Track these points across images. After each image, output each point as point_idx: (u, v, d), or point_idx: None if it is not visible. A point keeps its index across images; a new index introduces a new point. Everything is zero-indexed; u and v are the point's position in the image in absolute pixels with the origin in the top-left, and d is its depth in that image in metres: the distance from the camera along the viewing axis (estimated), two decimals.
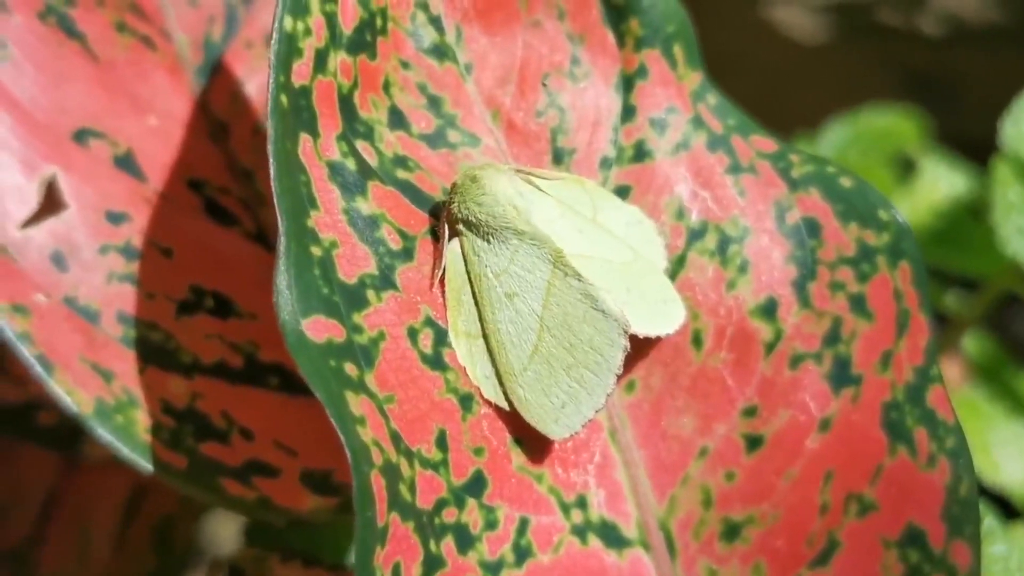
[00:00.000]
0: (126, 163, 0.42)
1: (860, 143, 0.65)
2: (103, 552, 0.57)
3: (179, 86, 0.44)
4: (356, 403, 0.34)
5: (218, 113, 0.45)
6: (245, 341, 0.42)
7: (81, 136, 0.41)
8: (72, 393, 0.38)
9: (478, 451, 0.36)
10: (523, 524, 0.37)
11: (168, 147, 0.43)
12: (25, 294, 0.39)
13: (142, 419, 0.39)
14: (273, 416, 0.41)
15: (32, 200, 0.40)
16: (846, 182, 0.39)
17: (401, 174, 0.37)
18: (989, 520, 0.48)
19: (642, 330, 0.37)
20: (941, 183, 0.62)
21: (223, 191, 0.44)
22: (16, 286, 0.39)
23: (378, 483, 0.33)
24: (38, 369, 0.38)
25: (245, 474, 0.40)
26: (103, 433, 0.38)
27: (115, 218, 0.41)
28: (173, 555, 0.59)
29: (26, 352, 0.38)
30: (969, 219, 0.60)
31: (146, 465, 0.39)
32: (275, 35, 0.35)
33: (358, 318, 0.35)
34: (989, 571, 0.47)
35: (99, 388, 0.39)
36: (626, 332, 0.36)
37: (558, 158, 0.39)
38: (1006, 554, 0.47)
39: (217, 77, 0.45)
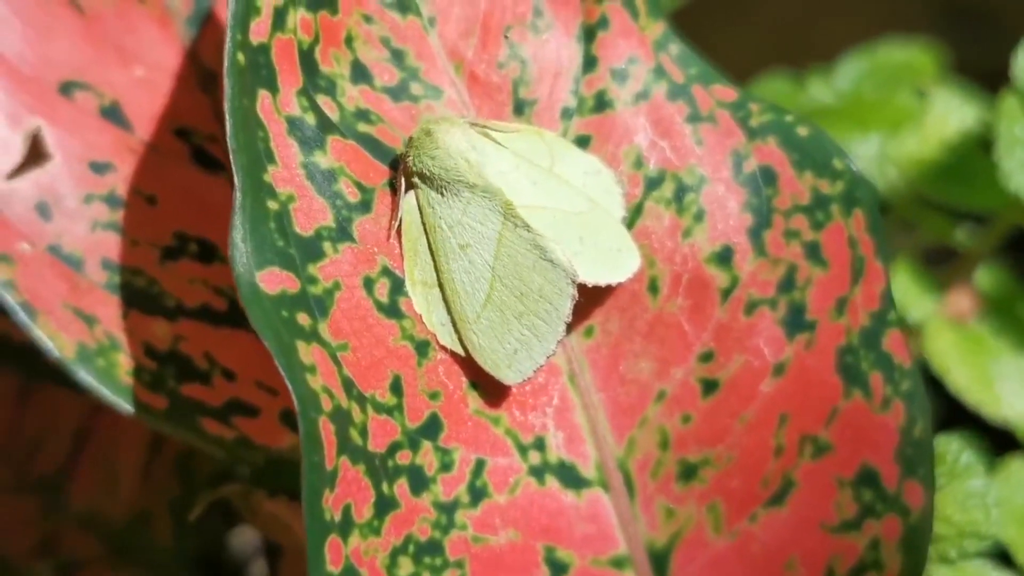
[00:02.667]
0: (112, 114, 0.43)
1: (876, 77, 0.64)
2: (130, 483, 0.59)
3: (168, 37, 0.46)
4: (307, 352, 0.35)
5: (207, 62, 0.46)
6: (229, 285, 0.43)
7: (67, 88, 0.43)
8: (54, 338, 0.40)
9: (434, 395, 0.38)
10: (479, 465, 0.38)
11: (156, 97, 0.45)
12: (9, 243, 0.40)
13: (124, 362, 0.41)
14: (256, 357, 0.43)
15: (17, 152, 0.41)
16: (803, 131, 0.40)
17: (362, 127, 0.39)
18: (967, 455, 0.48)
19: (594, 279, 0.38)
20: (952, 117, 0.61)
21: (211, 139, 0.45)
22: (1, 236, 0.40)
23: (326, 428, 0.35)
24: (21, 315, 0.40)
25: (225, 414, 0.42)
26: (84, 376, 0.40)
27: (99, 168, 0.42)
28: (195, 485, 0.60)
29: (10, 299, 0.40)
30: (978, 153, 0.60)
31: (127, 406, 0.41)
32: None
33: (313, 269, 0.36)
34: (965, 506, 0.48)
35: (81, 333, 0.41)
36: (574, 281, 0.37)
37: (519, 109, 0.40)
38: (983, 489, 0.48)
39: (207, 27, 0.46)
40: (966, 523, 0.48)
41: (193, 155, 0.45)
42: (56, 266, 0.41)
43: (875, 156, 0.60)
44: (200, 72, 0.46)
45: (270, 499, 0.45)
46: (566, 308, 0.38)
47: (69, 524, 0.58)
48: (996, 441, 0.60)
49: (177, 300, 0.43)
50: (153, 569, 0.59)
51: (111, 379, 0.41)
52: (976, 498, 0.48)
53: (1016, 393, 0.58)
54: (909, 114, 0.62)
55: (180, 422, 0.42)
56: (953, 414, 0.61)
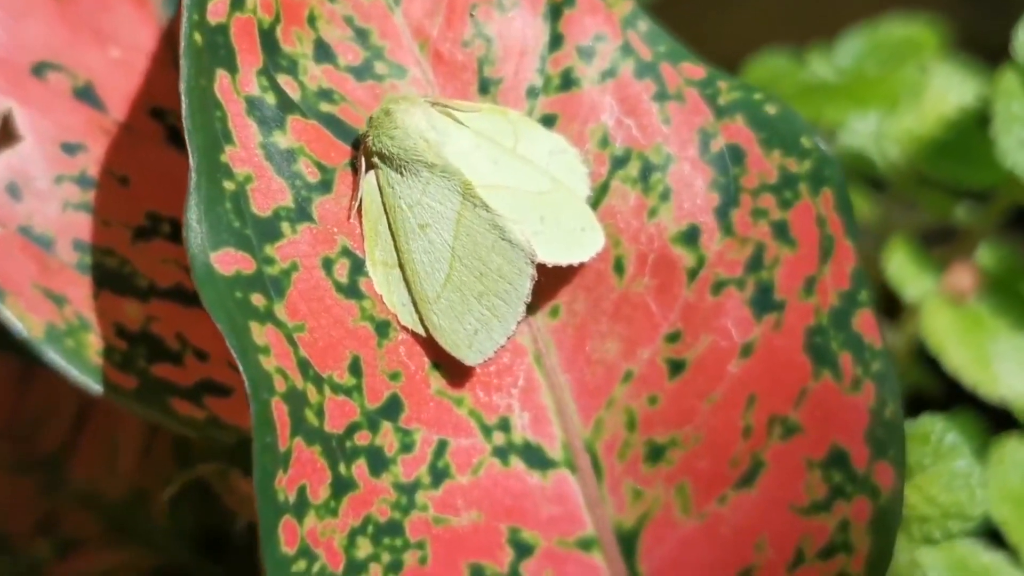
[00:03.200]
0: (86, 95, 0.43)
1: (878, 53, 0.64)
2: (129, 461, 0.59)
3: (145, 17, 0.46)
4: (260, 333, 0.35)
5: None
6: None
7: (40, 70, 0.43)
8: (23, 318, 0.40)
9: (394, 376, 0.37)
10: (441, 446, 0.38)
11: (131, 78, 0.45)
12: None
13: (94, 342, 0.41)
14: None
15: None
16: (771, 109, 0.40)
17: (324, 107, 0.38)
18: (952, 436, 0.48)
19: (554, 258, 0.38)
20: (951, 93, 0.61)
21: None
22: None
23: (279, 409, 0.35)
24: None
25: (197, 394, 0.42)
26: (53, 356, 0.40)
27: (71, 148, 0.42)
28: (191, 463, 0.61)
29: None
30: (977, 130, 0.59)
31: (96, 386, 0.41)
32: None
33: (270, 250, 0.36)
34: (950, 486, 0.47)
35: (50, 313, 0.41)
36: (533, 261, 0.37)
37: (484, 88, 0.40)
38: (967, 470, 0.47)
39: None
40: (951, 504, 0.48)
41: (168, 135, 0.45)
42: (26, 247, 0.42)
43: (873, 133, 0.60)
44: (176, 52, 0.46)
45: (245, 478, 0.45)
46: (525, 288, 0.37)
47: (69, 502, 0.58)
48: (995, 421, 0.59)
49: (149, 280, 0.43)
50: (151, 547, 0.59)
51: (80, 359, 0.41)
52: (961, 479, 0.48)
53: (1014, 372, 0.58)
54: (909, 91, 0.61)
55: (150, 402, 0.42)
56: (952, 393, 0.61)
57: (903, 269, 0.59)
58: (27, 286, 0.41)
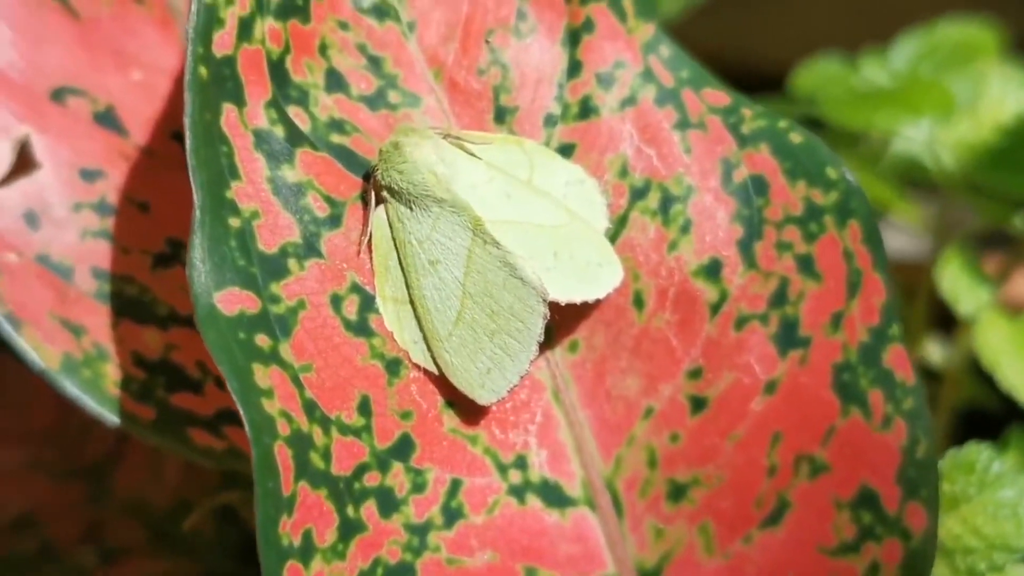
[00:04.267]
0: (106, 119, 0.43)
1: (934, 57, 0.62)
2: (174, 472, 0.59)
3: (168, 38, 0.45)
4: (264, 375, 0.34)
5: None
6: None
7: (59, 95, 0.43)
8: (39, 349, 0.40)
9: (405, 415, 0.37)
10: (455, 486, 0.37)
11: (153, 101, 0.44)
12: None
13: (111, 372, 0.41)
14: None
15: (5, 162, 0.41)
16: (796, 138, 0.38)
17: (336, 138, 0.38)
18: (998, 465, 0.46)
19: (568, 295, 0.37)
20: (1009, 99, 0.59)
21: None
22: None
23: (283, 454, 0.34)
24: (5, 326, 0.40)
25: (216, 424, 0.41)
26: (69, 387, 0.40)
27: (89, 175, 0.42)
28: (236, 476, 0.61)
29: None
30: None
31: (112, 418, 0.40)
32: (193, 6, 0.36)
33: (276, 288, 0.35)
34: (996, 517, 0.46)
35: (67, 343, 0.40)
36: (545, 300, 0.36)
37: (500, 117, 0.39)
38: (1014, 499, 0.46)
39: None
40: (995, 535, 0.46)
41: None
42: (44, 276, 0.41)
43: (926, 141, 0.58)
44: None
45: None
46: (537, 327, 0.36)
47: (114, 511, 0.58)
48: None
49: (169, 307, 0.42)
50: (194, 558, 0.59)
51: (97, 390, 0.41)
52: (1007, 508, 0.46)
53: None
54: (964, 96, 0.59)
55: (168, 433, 0.41)
56: (1012, 408, 0.59)
57: (957, 282, 0.57)
58: (44, 316, 0.41)
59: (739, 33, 0.76)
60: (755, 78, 0.68)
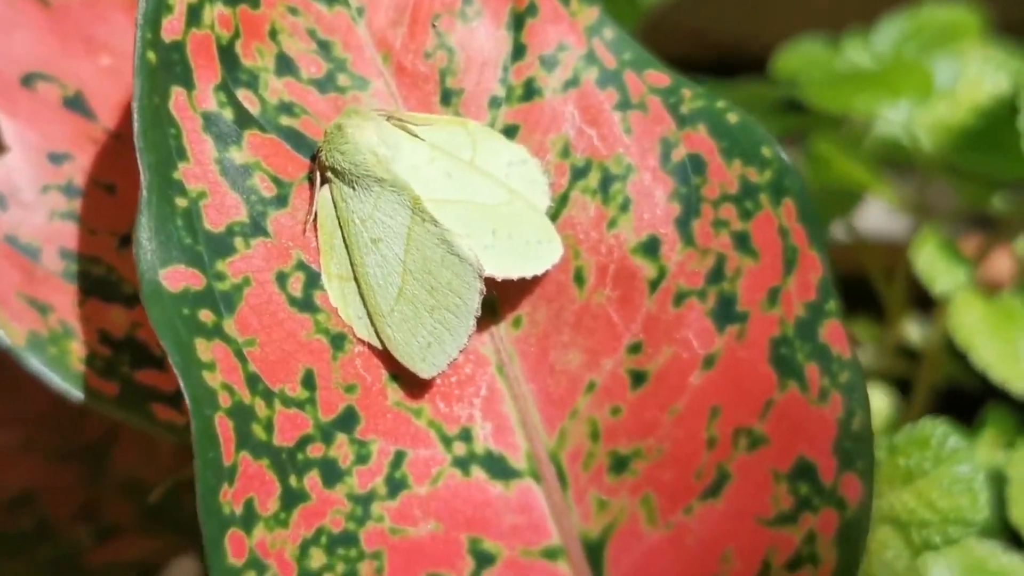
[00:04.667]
0: (75, 104, 0.44)
1: (918, 39, 0.62)
2: (166, 451, 0.60)
3: None
4: (206, 349, 0.36)
5: None
6: None
7: (29, 80, 0.44)
8: (5, 327, 0.41)
9: (350, 388, 0.38)
10: (398, 457, 0.38)
11: (121, 86, 0.45)
12: None
13: (77, 349, 0.42)
14: None
15: None
16: (732, 118, 0.39)
17: (285, 120, 0.39)
18: (954, 440, 0.47)
19: (505, 272, 0.38)
20: (986, 81, 0.59)
21: None
22: None
23: (223, 425, 0.35)
24: None
25: (178, 399, 0.43)
26: (34, 363, 0.41)
27: (57, 158, 0.43)
28: None
29: None
30: (1011, 119, 0.57)
31: (77, 393, 0.42)
32: None
33: (222, 265, 0.37)
34: (951, 491, 0.46)
35: (34, 321, 0.42)
36: (481, 275, 0.37)
37: (446, 99, 0.40)
38: (969, 475, 0.47)
39: None
40: (950, 509, 0.47)
41: None
42: (12, 256, 0.43)
43: (904, 122, 0.58)
44: None
45: None
46: (474, 302, 0.37)
47: (109, 490, 0.60)
48: None
49: (135, 287, 0.44)
50: (186, 535, 0.60)
51: (63, 366, 0.42)
52: (962, 484, 0.47)
53: None
54: (944, 78, 0.60)
55: (131, 408, 0.43)
56: (990, 386, 0.59)
57: (933, 262, 0.57)
58: (11, 295, 0.42)
59: (726, 15, 0.76)
60: (742, 59, 0.69)
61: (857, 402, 0.39)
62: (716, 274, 0.39)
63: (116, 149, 0.45)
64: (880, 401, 0.61)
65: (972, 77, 0.59)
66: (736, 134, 0.39)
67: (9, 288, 0.42)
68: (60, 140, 0.44)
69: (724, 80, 0.66)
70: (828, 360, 0.39)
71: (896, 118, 0.59)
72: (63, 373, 0.42)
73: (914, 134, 0.59)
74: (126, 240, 0.44)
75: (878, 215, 0.69)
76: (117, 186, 0.44)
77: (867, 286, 0.64)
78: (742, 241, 0.39)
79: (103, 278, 0.43)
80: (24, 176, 0.43)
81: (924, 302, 0.62)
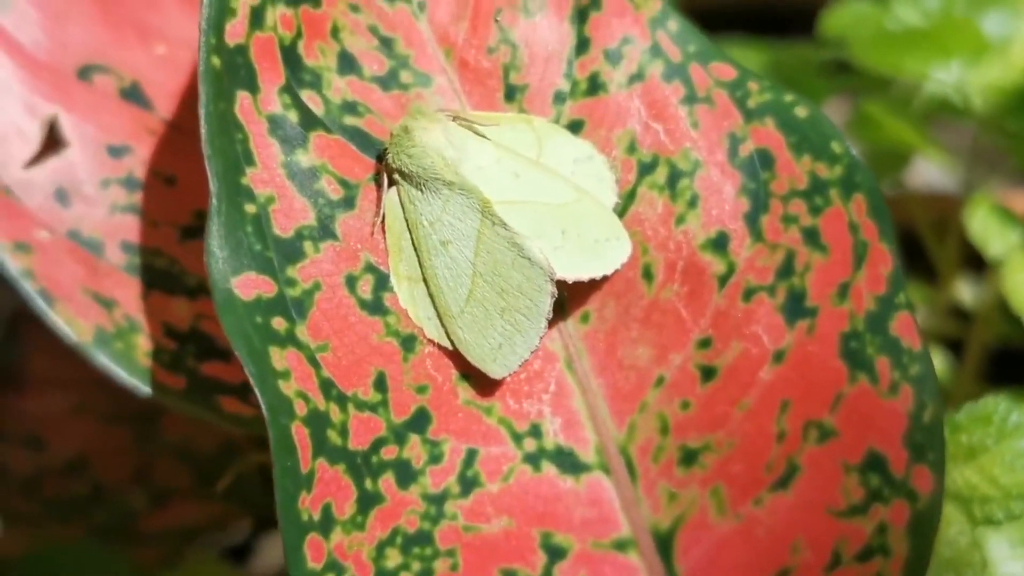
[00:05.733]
0: (132, 95, 0.44)
1: None
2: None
3: (191, 10, 0.46)
4: (280, 357, 0.36)
5: None
6: None
7: (85, 73, 0.44)
8: (72, 323, 0.41)
9: (421, 389, 0.38)
10: (470, 456, 0.38)
11: (177, 74, 0.45)
12: (28, 232, 0.42)
13: (143, 344, 0.42)
14: None
15: (35, 141, 0.43)
16: (801, 112, 0.39)
17: (349, 120, 0.39)
18: (1017, 415, 0.47)
19: (576, 273, 0.38)
20: None
21: None
22: (20, 224, 0.42)
23: (300, 433, 0.35)
24: (39, 302, 0.41)
25: (245, 391, 0.43)
26: (101, 359, 0.42)
27: (117, 151, 0.43)
28: None
29: (28, 287, 0.41)
30: None
31: (144, 388, 0.42)
32: None
33: (292, 271, 0.37)
34: (1014, 467, 0.46)
35: (99, 317, 0.42)
36: (552, 278, 0.37)
37: (510, 95, 0.40)
38: None
39: None
40: (1013, 484, 0.47)
41: None
42: (75, 251, 0.43)
43: (956, 84, 0.58)
44: None
45: None
46: (546, 305, 0.37)
47: (162, 455, 0.60)
48: None
49: (198, 278, 0.44)
50: (240, 502, 0.61)
51: (129, 361, 0.42)
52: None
53: None
54: (997, 37, 0.59)
55: (198, 401, 0.43)
56: None
57: (986, 226, 0.57)
58: (76, 291, 0.42)
59: None
60: (787, 9, 0.68)
61: (928, 394, 0.39)
62: (785, 269, 0.39)
63: (174, 140, 0.45)
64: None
65: None
66: (805, 129, 0.39)
67: (74, 284, 0.42)
68: (119, 132, 0.44)
69: (771, 38, 0.65)
70: (898, 353, 0.39)
71: (947, 79, 0.58)
72: (130, 368, 0.42)
73: (966, 95, 0.58)
74: (188, 232, 0.44)
75: (926, 167, 0.68)
76: (177, 178, 0.44)
77: (915, 240, 0.63)
78: (812, 236, 0.39)
79: (166, 270, 0.43)
80: (85, 170, 0.43)
81: (976, 260, 0.61)
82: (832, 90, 0.60)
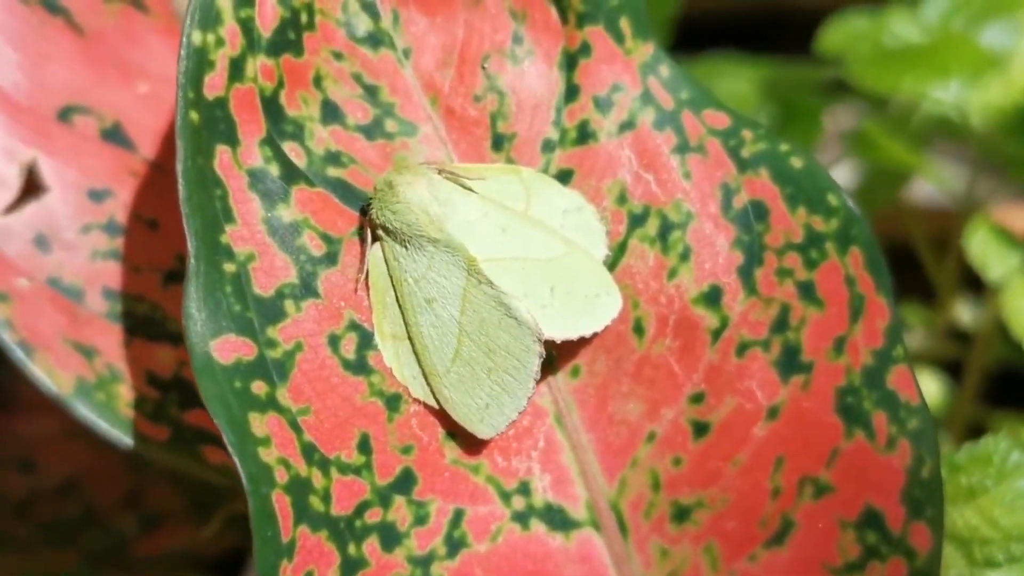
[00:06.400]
0: (113, 135, 0.43)
1: (968, 9, 0.60)
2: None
3: (175, 46, 0.45)
4: (261, 423, 0.35)
5: None
6: None
7: (66, 114, 0.43)
8: (52, 374, 0.41)
9: (406, 449, 0.37)
10: (457, 516, 0.38)
11: (160, 113, 0.44)
12: (6, 280, 0.41)
13: (125, 393, 0.41)
14: None
15: (13, 187, 0.42)
16: (796, 163, 0.38)
17: (332, 172, 0.38)
18: (1017, 455, 0.46)
19: (564, 333, 0.37)
20: None
21: None
22: None
23: (281, 501, 0.35)
24: (18, 354, 0.40)
25: None
26: (83, 411, 0.41)
27: (98, 195, 0.42)
28: None
29: (6, 338, 0.40)
30: None
31: (126, 440, 0.41)
32: (182, 51, 0.35)
33: (273, 332, 0.36)
34: (1013, 507, 0.46)
35: (80, 367, 0.41)
36: (540, 339, 0.36)
37: (498, 144, 0.39)
38: None
39: None
40: (1013, 526, 0.46)
41: None
42: (56, 299, 0.42)
43: (955, 103, 0.57)
44: None
45: None
46: (534, 365, 0.37)
47: (154, 478, 0.59)
48: None
49: (180, 324, 0.43)
50: (231, 525, 0.60)
51: (111, 412, 0.41)
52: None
53: None
54: (996, 54, 0.58)
55: (182, 452, 0.42)
56: None
57: (986, 249, 0.56)
58: (56, 340, 0.41)
59: None
60: (782, 16, 0.67)
61: (926, 449, 0.38)
62: (780, 324, 0.38)
63: (157, 181, 0.44)
64: (931, 386, 0.60)
65: None
66: (800, 180, 0.38)
67: (54, 333, 0.41)
68: (100, 175, 0.43)
69: (767, 51, 0.64)
70: (896, 407, 0.38)
71: (946, 97, 0.57)
72: (111, 419, 0.41)
73: (965, 114, 0.57)
74: (170, 276, 0.43)
75: (925, 182, 0.67)
76: (159, 221, 0.43)
77: (913, 258, 0.63)
78: (807, 290, 0.38)
79: (148, 316, 0.43)
80: (65, 216, 0.42)
81: (976, 278, 0.60)
82: (829, 107, 0.59)
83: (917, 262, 0.62)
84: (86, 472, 0.58)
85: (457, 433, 0.38)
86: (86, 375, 0.41)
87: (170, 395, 0.42)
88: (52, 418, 0.60)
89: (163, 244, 0.43)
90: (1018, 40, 0.59)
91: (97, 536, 0.59)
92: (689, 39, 0.66)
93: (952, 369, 0.61)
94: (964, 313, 0.62)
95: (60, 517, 0.58)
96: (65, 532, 0.58)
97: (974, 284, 0.62)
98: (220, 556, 0.65)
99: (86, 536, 0.59)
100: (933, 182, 0.59)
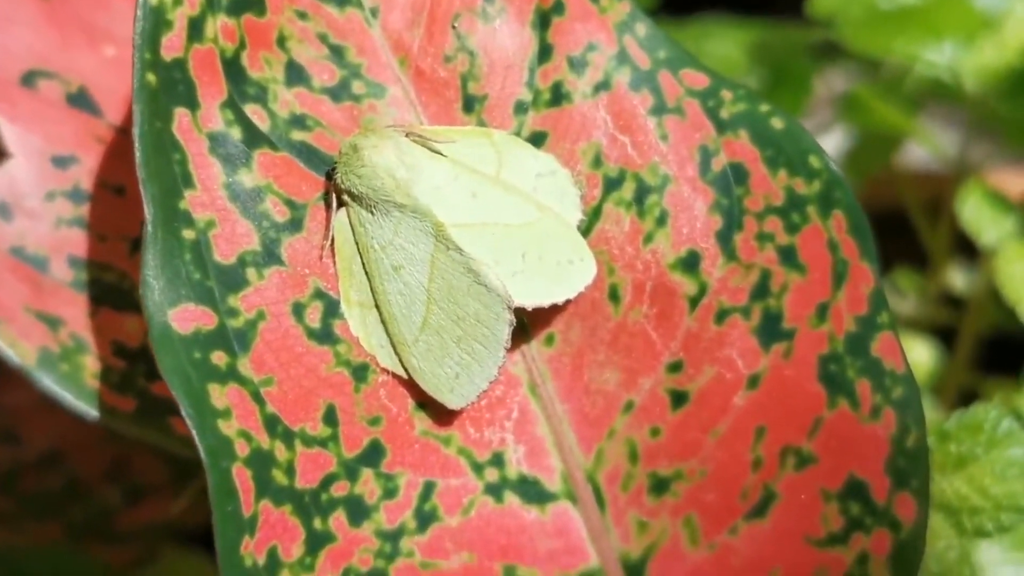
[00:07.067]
0: (80, 100, 0.42)
1: None
2: None
3: None
4: (220, 394, 0.34)
5: None
6: None
7: (29, 79, 0.42)
8: (15, 345, 0.40)
9: (374, 421, 0.36)
10: (428, 489, 0.36)
11: (127, 77, 0.43)
12: None
13: (90, 364, 0.40)
14: None
15: None
16: (777, 123, 0.36)
17: (297, 135, 0.36)
18: (1008, 423, 0.45)
19: (535, 300, 0.36)
20: None
21: None
22: None
23: (242, 475, 0.34)
24: None
25: None
26: (46, 382, 0.40)
27: (62, 161, 0.41)
28: None
29: None
30: None
31: (91, 411, 0.40)
32: (138, 11, 0.34)
33: (234, 300, 0.35)
34: (1004, 476, 0.45)
35: (44, 337, 0.40)
36: (511, 306, 0.35)
37: (469, 106, 0.38)
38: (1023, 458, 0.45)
39: None
40: (1003, 495, 0.45)
41: None
42: (19, 269, 0.41)
43: (948, 65, 0.55)
44: None
45: None
46: (504, 333, 0.35)
47: (138, 450, 0.58)
48: None
49: None
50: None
51: (76, 383, 0.40)
52: (1016, 468, 0.45)
53: None
54: (990, 15, 0.57)
55: (148, 423, 0.41)
56: None
57: (979, 213, 0.55)
58: (19, 311, 0.40)
59: None
60: None
61: (911, 418, 0.37)
62: (761, 290, 0.37)
63: (124, 147, 0.42)
64: (923, 353, 0.58)
65: (1020, 16, 0.56)
66: (781, 141, 0.37)
67: (16, 303, 0.40)
68: (64, 141, 0.42)
69: (759, 16, 0.63)
70: (880, 375, 0.37)
71: (939, 60, 0.56)
72: (77, 390, 0.40)
73: (958, 77, 0.56)
74: (138, 244, 0.42)
75: (918, 146, 0.66)
76: (127, 188, 0.42)
77: (906, 223, 0.61)
78: (788, 255, 0.37)
79: (115, 286, 0.41)
80: (28, 183, 0.41)
81: (969, 243, 0.59)
82: (821, 70, 0.58)
83: (910, 227, 0.61)
84: (69, 444, 0.58)
85: (427, 404, 0.37)
86: (50, 346, 0.40)
87: (137, 365, 0.41)
88: (30, 389, 0.59)
89: (130, 211, 0.42)
90: (1012, 1, 0.57)
91: (81, 508, 0.58)
92: (678, 1, 0.64)
93: (945, 335, 0.60)
94: (957, 279, 0.61)
95: (44, 489, 0.57)
96: (49, 504, 0.57)
97: (967, 249, 0.60)
98: (205, 528, 0.64)
99: (70, 508, 0.58)
100: (926, 146, 0.58)
